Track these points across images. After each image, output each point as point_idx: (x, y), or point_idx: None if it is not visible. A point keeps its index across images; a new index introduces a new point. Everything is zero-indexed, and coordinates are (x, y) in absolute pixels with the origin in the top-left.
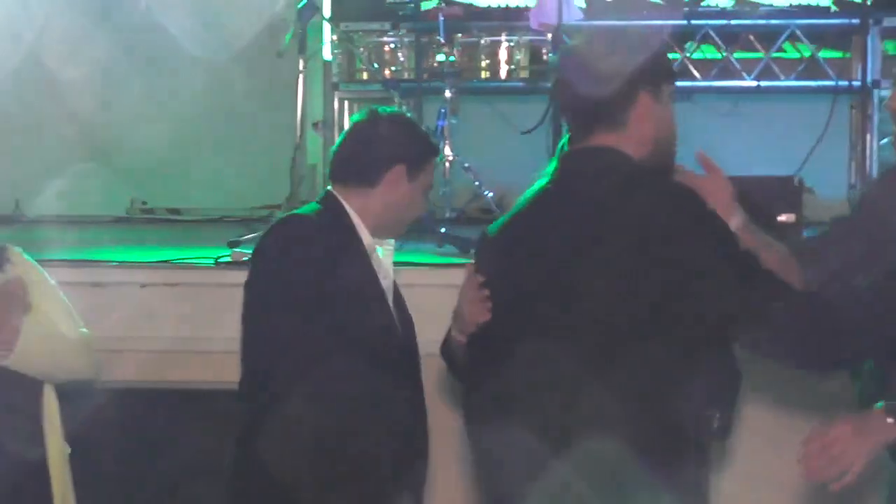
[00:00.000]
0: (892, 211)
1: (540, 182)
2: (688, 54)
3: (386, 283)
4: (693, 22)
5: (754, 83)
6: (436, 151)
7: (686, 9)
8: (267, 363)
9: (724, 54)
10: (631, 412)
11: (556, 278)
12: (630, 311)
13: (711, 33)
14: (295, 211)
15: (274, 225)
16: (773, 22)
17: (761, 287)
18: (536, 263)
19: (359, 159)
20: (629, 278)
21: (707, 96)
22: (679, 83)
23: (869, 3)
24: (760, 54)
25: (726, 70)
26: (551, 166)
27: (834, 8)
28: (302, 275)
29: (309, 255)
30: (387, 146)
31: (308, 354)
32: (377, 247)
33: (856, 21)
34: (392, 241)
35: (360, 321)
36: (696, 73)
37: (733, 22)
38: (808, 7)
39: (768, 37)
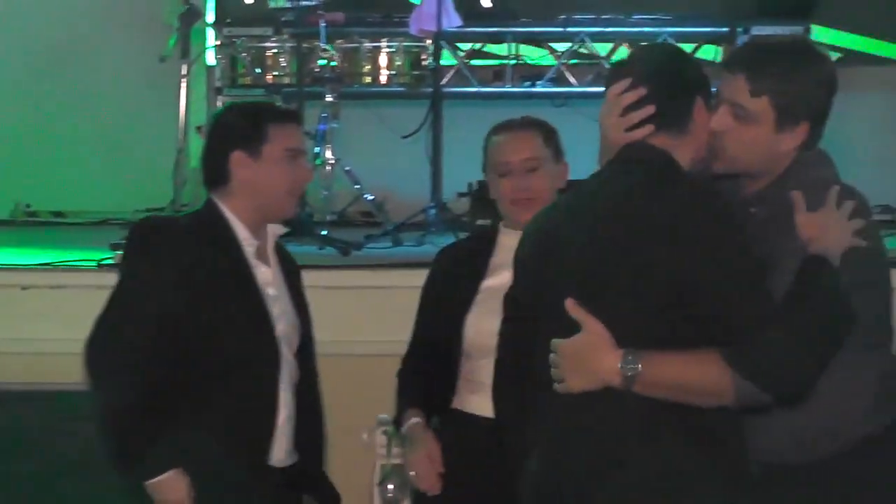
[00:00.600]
0: None
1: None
2: (563, 61)
3: (265, 277)
4: (569, 29)
5: None
6: (276, 114)
7: (563, 16)
8: (107, 361)
9: (600, 61)
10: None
11: (578, 270)
12: (643, 308)
13: (587, 40)
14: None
15: (131, 228)
16: (646, 30)
17: (761, 302)
18: (563, 251)
19: (205, 162)
20: (643, 276)
21: (583, 101)
22: (555, 89)
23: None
24: None
25: (601, 76)
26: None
27: None
28: (150, 273)
29: (159, 254)
30: (218, 140)
31: (153, 353)
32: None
33: (724, 29)
34: (280, 228)
35: (214, 317)
36: (572, 79)
37: (608, 29)
38: (680, 16)
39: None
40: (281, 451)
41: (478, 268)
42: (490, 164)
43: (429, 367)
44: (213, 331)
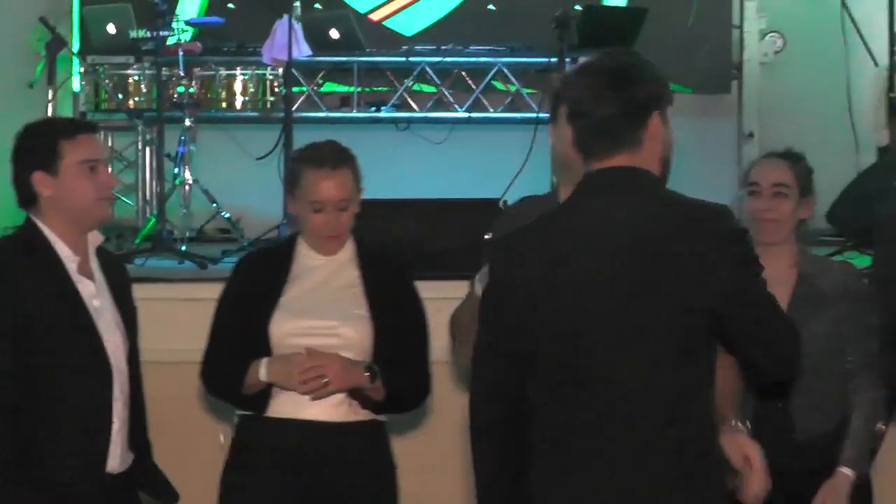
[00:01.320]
0: None
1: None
2: (405, 87)
3: (89, 291)
4: (411, 59)
5: (466, 115)
6: (66, 129)
7: (405, 47)
8: None
9: (439, 88)
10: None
11: (613, 299)
12: (658, 329)
13: (428, 69)
14: None
15: None
16: (482, 60)
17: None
18: (582, 283)
19: (14, 185)
20: (662, 293)
21: (424, 126)
22: (398, 114)
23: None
24: (471, 89)
25: (441, 102)
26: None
27: None
28: None
29: None
30: (19, 162)
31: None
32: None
33: (554, 59)
34: (98, 237)
35: (44, 340)
36: (413, 105)
37: (447, 59)
38: (513, 47)
39: (478, 73)
40: (116, 460)
41: (280, 274)
42: (302, 194)
43: (234, 366)
44: (43, 353)
